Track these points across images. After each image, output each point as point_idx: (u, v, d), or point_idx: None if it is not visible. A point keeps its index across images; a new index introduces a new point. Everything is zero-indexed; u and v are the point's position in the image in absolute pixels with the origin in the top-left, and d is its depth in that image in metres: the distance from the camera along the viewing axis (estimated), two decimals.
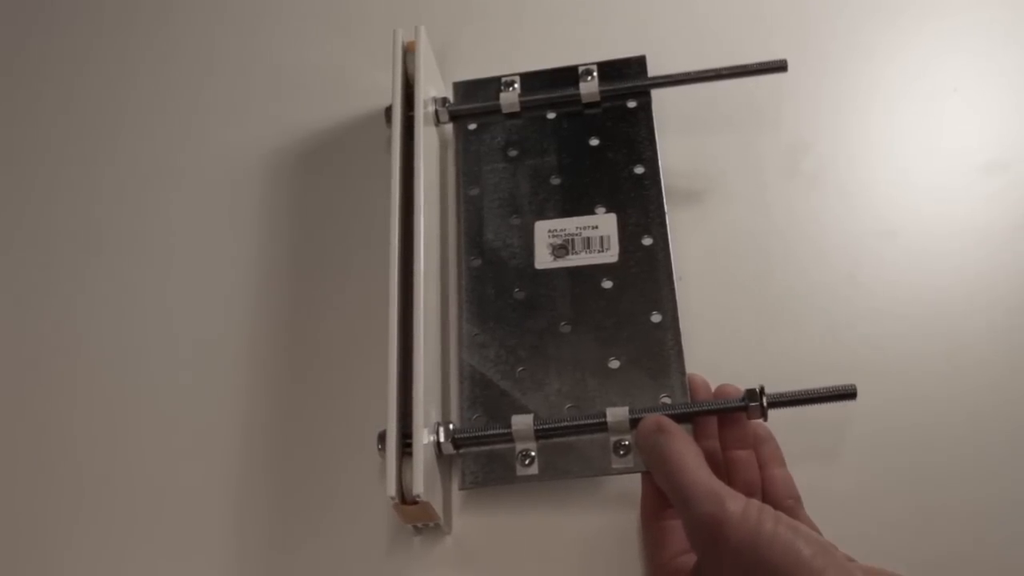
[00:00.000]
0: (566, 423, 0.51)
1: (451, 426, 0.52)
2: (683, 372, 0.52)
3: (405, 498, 0.48)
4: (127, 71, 0.71)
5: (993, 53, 0.63)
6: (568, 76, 0.62)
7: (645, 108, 0.61)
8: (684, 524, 0.44)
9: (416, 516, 0.49)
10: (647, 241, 0.57)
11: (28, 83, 0.71)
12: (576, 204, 0.58)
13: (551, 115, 0.62)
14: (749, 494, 0.45)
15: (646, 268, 0.56)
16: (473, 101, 0.63)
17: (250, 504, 0.55)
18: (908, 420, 0.52)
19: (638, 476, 0.50)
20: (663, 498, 0.47)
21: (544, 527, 0.52)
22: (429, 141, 0.59)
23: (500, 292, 0.57)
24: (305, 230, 0.62)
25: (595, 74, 0.61)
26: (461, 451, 0.52)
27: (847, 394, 0.49)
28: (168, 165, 0.66)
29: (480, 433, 0.52)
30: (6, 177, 0.68)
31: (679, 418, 0.49)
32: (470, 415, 0.53)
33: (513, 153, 0.61)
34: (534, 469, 0.51)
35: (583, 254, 0.57)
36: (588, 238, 0.57)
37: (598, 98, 0.61)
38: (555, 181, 0.60)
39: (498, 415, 0.52)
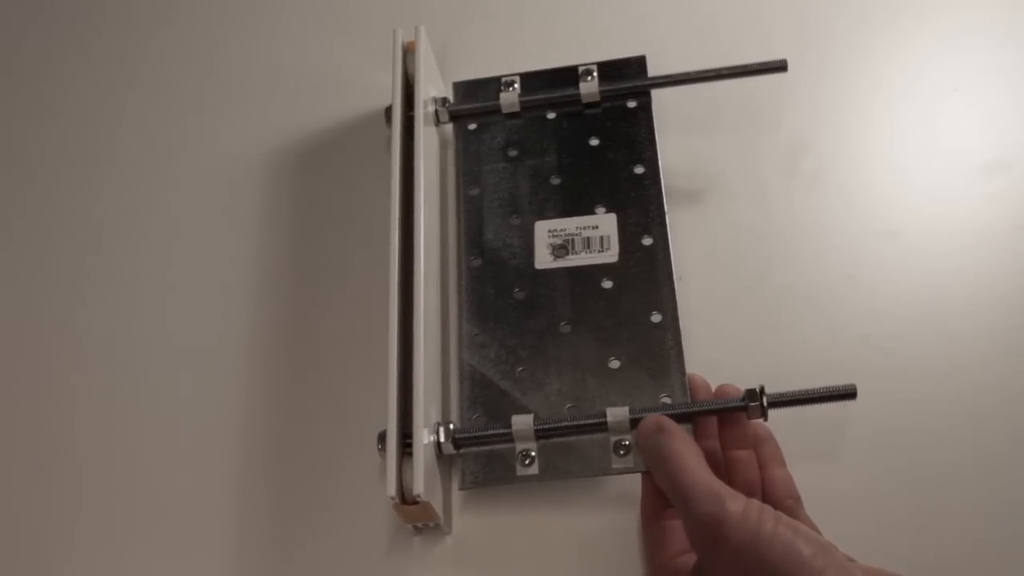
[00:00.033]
0: (566, 423, 0.51)
1: (451, 426, 0.52)
2: (683, 372, 0.52)
3: (405, 498, 0.48)
4: (127, 71, 0.71)
5: (993, 53, 0.63)
6: (568, 76, 0.62)
7: (645, 108, 0.61)
8: (684, 524, 0.44)
9: (416, 516, 0.49)
10: (647, 241, 0.57)
11: (28, 83, 0.71)
12: (576, 204, 0.58)
13: (551, 115, 0.62)
14: (749, 494, 0.44)
15: (646, 268, 0.56)
16: (473, 101, 0.63)
17: (250, 504, 0.55)
18: (908, 420, 0.52)
19: (638, 476, 0.50)
20: (663, 498, 0.47)
21: (544, 527, 0.52)
22: (429, 141, 0.59)
23: (500, 292, 0.57)
24: (305, 230, 0.62)
25: (595, 74, 0.61)
26: (461, 451, 0.52)
27: (847, 394, 0.49)
28: (168, 165, 0.66)
29: (480, 433, 0.52)
30: (6, 177, 0.68)
31: (679, 418, 0.49)
32: (470, 415, 0.53)
33: (513, 153, 0.61)
34: (534, 469, 0.51)
35: (583, 254, 0.57)
36: (588, 238, 0.57)
37: (598, 98, 0.61)
38: (555, 181, 0.60)
39: (498, 415, 0.52)
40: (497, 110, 0.62)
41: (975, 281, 0.56)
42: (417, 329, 0.51)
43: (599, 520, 0.52)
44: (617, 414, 0.50)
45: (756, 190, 0.60)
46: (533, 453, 0.51)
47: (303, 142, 0.66)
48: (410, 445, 0.49)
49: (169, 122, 0.68)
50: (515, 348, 0.55)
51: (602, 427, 0.50)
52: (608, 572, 0.51)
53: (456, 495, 0.53)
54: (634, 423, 0.50)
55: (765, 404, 0.49)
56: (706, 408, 0.50)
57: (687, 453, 0.45)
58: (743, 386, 0.50)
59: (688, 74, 0.60)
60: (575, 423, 0.51)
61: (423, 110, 0.58)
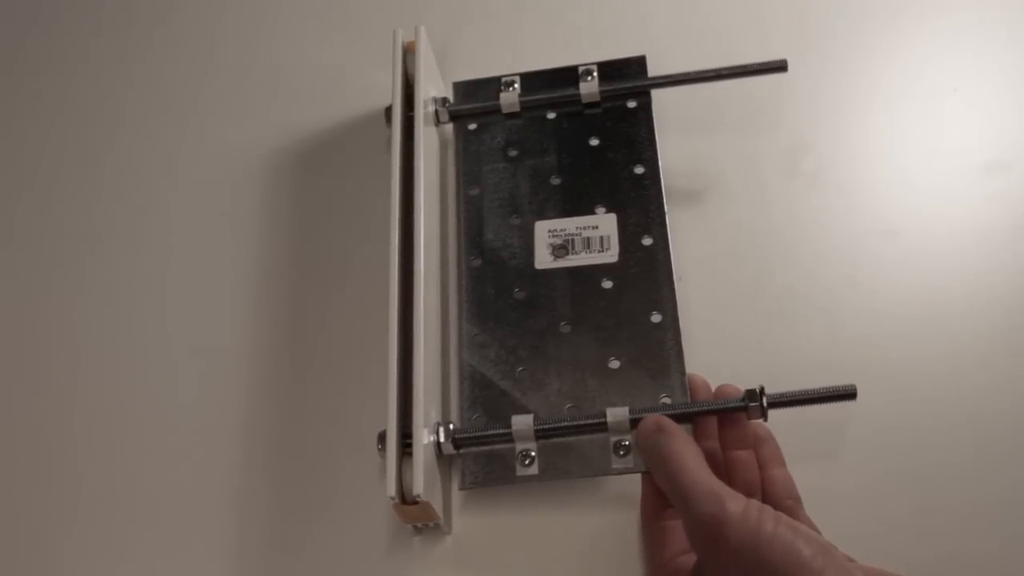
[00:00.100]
0: (566, 423, 0.51)
1: (451, 426, 0.52)
2: (683, 372, 0.52)
3: (405, 498, 0.48)
4: (127, 71, 0.71)
5: (993, 53, 0.63)
6: (568, 76, 0.62)
7: (645, 108, 0.61)
8: (684, 524, 0.44)
9: (416, 516, 0.49)
10: (647, 241, 0.57)
11: (28, 83, 0.71)
12: (576, 204, 0.58)
13: (551, 115, 0.62)
14: (749, 494, 0.45)
15: (646, 268, 0.56)
16: (473, 101, 0.63)
17: (250, 504, 0.55)
18: (908, 420, 0.52)
19: (638, 476, 0.50)
20: (663, 498, 0.47)
21: (544, 527, 0.52)
22: (429, 141, 0.59)
23: (500, 292, 0.57)
24: (305, 230, 0.62)
25: (595, 74, 0.61)
26: (461, 451, 0.52)
27: (847, 394, 0.49)
28: (167, 165, 0.66)
29: (480, 433, 0.52)
30: (6, 177, 0.68)
31: (679, 418, 0.49)
32: (470, 415, 0.53)
33: (513, 153, 0.61)
34: (534, 469, 0.51)
35: (583, 254, 0.57)
36: (588, 238, 0.57)
37: (598, 98, 0.61)
38: (555, 181, 0.60)
39: (498, 415, 0.52)
40: (497, 110, 0.62)
41: (975, 281, 0.56)
42: (417, 329, 0.51)
43: (599, 520, 0.52)
44: (617, 414, 0.50)
45: (756, 190, 0.60)
46: (533, 453, 0.51)
47: (303, 142, 0.66)
48: (410, 445, 0.49)
49: (169, 122, 0.68)
50: (515, 348, 0.55)
51: (602, 427, 0.50)
52: (608, 572, 0.51)
53: (456, 495, 0.53)
54: (634, 423, 0.50)
55: (765, 404, 0.49)
56: (706, 408, 0.50)
57: (687, 453, 0.45)
58: (743, 386, 0.50)
59: (688, 74, 0.60)
60: (575, 423, 0.51)
61: (423, 110, 0.58)
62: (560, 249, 0.57)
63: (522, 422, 0.51)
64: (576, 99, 0.61)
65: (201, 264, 0.62)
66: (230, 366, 0.59)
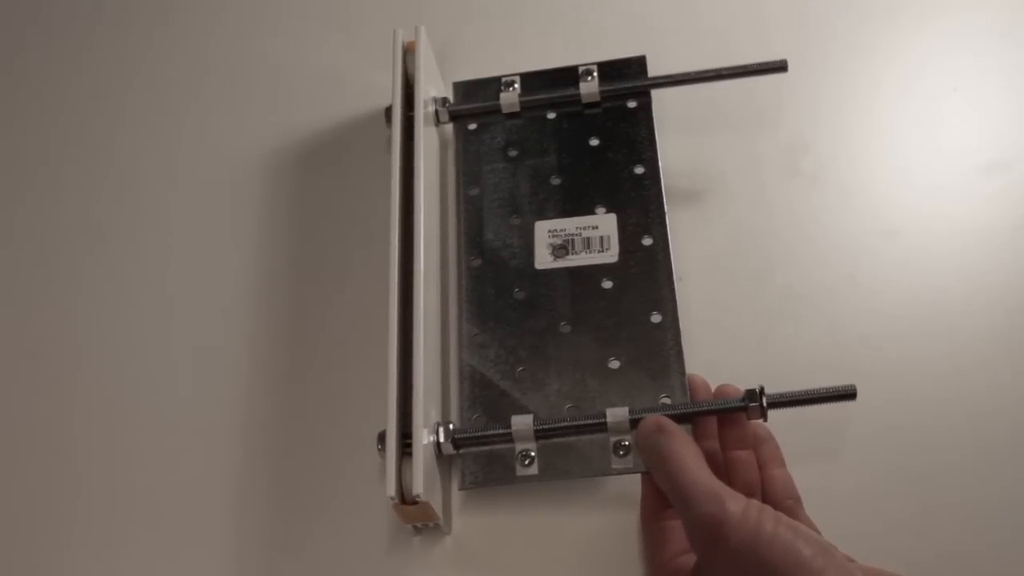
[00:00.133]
0: (566, 423, 0.51)
1: (451, 426, 0.52)
2: (683, 372, 0.52)
3: (405, 498, 0.48)
4: (126, 71, 0.71)
5: (993, 53, 0.63)
6: (568, 76, 0.62)
7: (645, 108, 0.61)
8: (684, 524, 0.44)
9: (416, 516, 0.49)
10: (647, 241, 0.57)
11: (28, 83, 0.71)
12: (576, 204, 0.58)
13: (551, 115, 0.62)
14: (749, 494, 0.44)
15: (646, 268, 0.56)
16: (473, 101, 0.63)
17: (250, 504, 0.55)
18: (908, 420, 0.52)
19: (638, 476, 0.50)
20: (663, 498, 0.47)
21: (544, 527, 0.52)
22: (429, 141, 0.59)
23: (500, 292, 0.56)
24: (305, 230, 0.62)
25: (595, 74, 0.61)
26: (461, 451, 0.52)
27: (847, 394, 0.49)
28: (167, 165, 0.66)
29: (480, 433, 0.52)
30: (6, 177, 0.68)
31: (679, 418, 0.49)
32: (470, 415, 0.53)
33: (513, 153, 0.61)
34: (534, 469, 0.51)
35: (583, 254, 0.57)
36: (588, 238, 0.57)
37: (598, 98, 0.61)
38: (555, 181, 0.59)
39: (498, 415, 0.52)
40: (497, 110, 0.62)
41: (975, 281, 0.56)
42: (417, 329, 0.51)
43: (599, 520, 0.52)
44: (617, 414, 0.50)
45: (756, 190, 0.60)
46: (533, 453, 0.51)
47: (303, 142, 0.66)
48: (410, 445, 0.49)
49: (169, 122, 0.68)
50: (515, 348, 0.55)
51: (602, 427, 0.50)
52: (608, 572, 0.51)
53: (456, 495, 0.53)
54: (634, 423, 0.50)
55: (765, 404, 0.49)
56: (706, 408, 0.50)
57: (687, 453, 0.45)
58: (743, 386, 0.50)
59: (688, 74, 0.60)
60: (575, 423, 0.51)
61: (423, 110, 0.58)
62: (560, 249, 0.57)
63: (522, 422, 0.51)
64: (576, 99, 0.61)
65: (201, 264, 0.62)
66: (230, 366, 0.59)
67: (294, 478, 0.55)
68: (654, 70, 0.62)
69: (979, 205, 0.58)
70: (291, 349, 0.59)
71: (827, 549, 0.40)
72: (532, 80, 0.62)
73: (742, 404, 0.49)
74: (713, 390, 0.51)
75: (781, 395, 0.49)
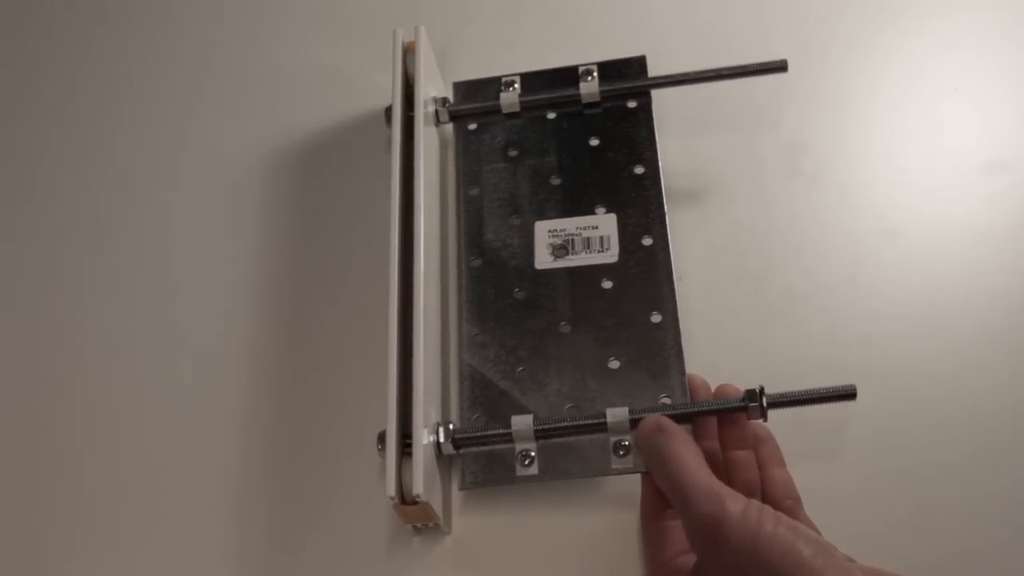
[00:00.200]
0: (566, 423, 0.51)
1: (451, 426, 0.52)
2: (683, 372, 0.52)
3: (405, 498, 0.48)
4: (127, 71, 0.71)
5: (993, 53, 0.63)
6: (568, 76, 0.62)
7: (645, 108, 0.61)
8: (684, 524, 0.44)
9: (416, 516, 0.49)
10: (647, 241, 0.57)
11: (28, 83, 0.71)
12: (576, 204, 0.58)
13: (551, 115, 0.62)
14: (749, 494, 0.44)
15: (646, 268, 0.56)
16: (473, 101, 0.63)
17: (250, 504, 0.55)
18: (908, 420, 0.52)
19: (638, 476, 0.50)
20: (663, 498, 0.47)
21: (544, 527, 0.52)
22: (429, 141, 0.59)
23: (500, 292, 0.57)
24: (305, 230, 0.62)
25: (595, 74, 0.61)
26: (461, 451, 0.52)
27: (847, 394, 0.49)
28: (168, 165, 0.66)
29: (480, 433, 0.52)
30: (6, 177, 0.68)
31: (679, 418, 0.49)
32: (470, 415, 0.53)
33: (513, 153, 0.61)
34: (534, 469, 0.51)
35: (583, 254, 0.57)
36: (588, 238, 0.57)
37: (598, 98, 0.61)
38: (555, 181, 0.60)
39: (498, 415, 0.52)
40: (497, 110, 0.62)
41: (975, 281, 0.56)
42: (417, 329, 0.51)
43: (599, 520, 0.52)
44: (617, 414, 0.50)
45: (756, 190, 0.60)
46: (533, 453, 0.51)
47: (303, 142, 0.66)
48: (410, 445, 0.49)
49: (169, 122, 0.68)
50: (515, 348, 0.55)
51: (602, 427, 0.50)
52: (608, 572, 0.51)
53: (456, 495, 0.53)
54: (634, 423, 0.50)
55: (765, 404, 0.49)
56: (706, 408, 0.50)
57: (687, 453, 0.45)
58: (743, 386, 0.50)
59: (688, 74, 0.60)
60: (575, 423, 0.51)
61: (423, 110, 0.58)
62: (560, 249, 0.57)
63: (522, 422, 0.51)
64: (576, 99, 0.61)
65: (201, 264, 0.62)
66: (230, 366, 0.59)
67: (294, 478, 0.55)
68: (654, 70, 0.62)
69: (979, 205, 0.58)
70: (291, 349, 0.59)
71: (827, 549, 0.40)
72: (532, 80, 0.62)
73: (742, 404, 0.49)
74: (713, 390, 0.51)
75: (781, 395, 0.49)
